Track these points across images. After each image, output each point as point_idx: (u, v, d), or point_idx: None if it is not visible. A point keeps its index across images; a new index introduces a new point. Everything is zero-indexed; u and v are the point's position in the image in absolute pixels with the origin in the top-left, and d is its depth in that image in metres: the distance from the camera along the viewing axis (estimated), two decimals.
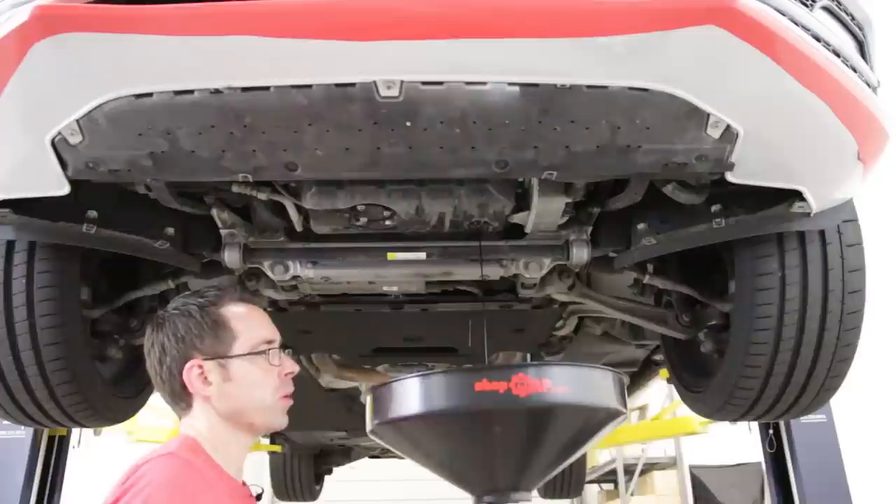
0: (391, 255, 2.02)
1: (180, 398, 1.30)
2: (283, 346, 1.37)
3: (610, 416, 1.42)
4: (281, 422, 1.35)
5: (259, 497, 1.36)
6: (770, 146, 1.45)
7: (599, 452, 7.70)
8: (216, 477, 1.24)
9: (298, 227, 1.97)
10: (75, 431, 3.96)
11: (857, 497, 3.71)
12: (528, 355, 3.01)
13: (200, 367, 1.28)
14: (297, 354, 3.04)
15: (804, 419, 3.56)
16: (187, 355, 1.28)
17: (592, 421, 1.42)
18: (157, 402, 2.02)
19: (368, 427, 1.63)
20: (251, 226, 2.02)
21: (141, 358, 1.38)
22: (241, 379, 1.29)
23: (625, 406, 1.45)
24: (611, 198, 1.87)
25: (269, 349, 1.33)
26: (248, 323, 1.34)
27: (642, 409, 6.50)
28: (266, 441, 5.57)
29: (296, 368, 1.38)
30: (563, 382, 1.34)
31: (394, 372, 2.97)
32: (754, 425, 3.91)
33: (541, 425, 1.35)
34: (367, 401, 1.63)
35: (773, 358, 1.89)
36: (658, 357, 3.19)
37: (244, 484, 1.34)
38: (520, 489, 1.43)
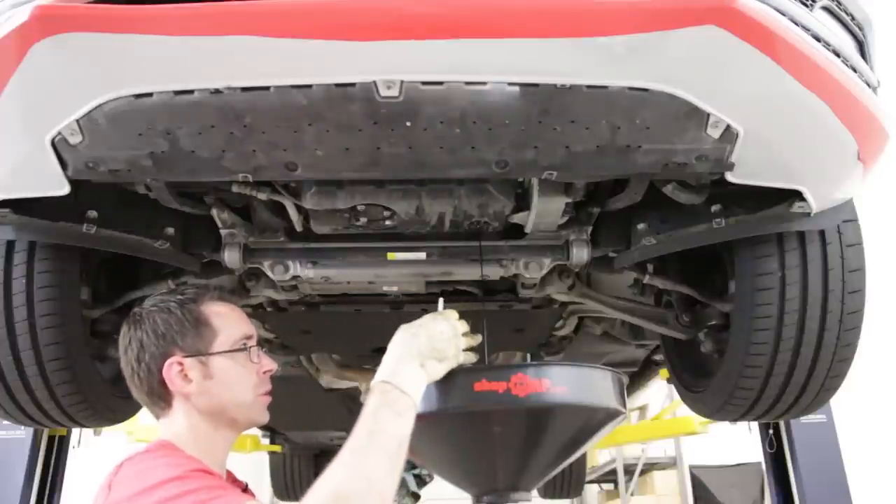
0: (391, 255, 2.02)
1: (159, 397, 1.29)
2: (261, 344, 1.38)
3: (609, 416, 1.42)
4: (263, 417, 1.35)
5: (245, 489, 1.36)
6: (770, 146, 1.45)
7: (599, 452, 7.71)
8: None
9: (298, 227, 1.97)
10: (75, 431, 3.96)
11: (857, 497, 3.71)
12: (528, 355, 3.01)
13: (181, 364, 1.26)
14: (297, 354, 3.05)
15: (804, 419, 3.57)
16: (167, 352, 1.27)
17: (592, 421, 1.42)
18: None
19: None
20: (251, 226, 2.02)
21: None
22: (222, 376, 1.29)
23: (624, 406, 1.45)
24: (611, 198, 1.87)
25: (249, 346, 1.33)
26: (228, 320, 1.34)
27: (642, 409, 6.51)
28: (266, 441, 5.57)
29: (274, 366, 1.38)
30: (563, 382, 1.34)
31: None
32: (754, 425, 3.91)
33: (540, 425, 1.35)
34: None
35: (773, 358, 1.89)
36: (658, 357, 3.19)
37: (229, 472, 1.34)
38: (519, 489, 1.43)
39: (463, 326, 1.37)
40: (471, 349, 1.38)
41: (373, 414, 1.16)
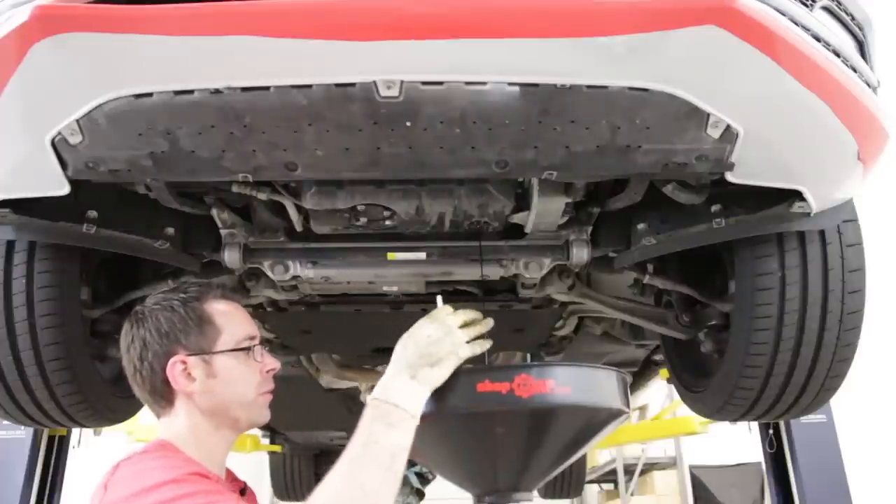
0: (391, 255, 2.02)
1: (162, 396, 1.28)
2: (264, 343, 1.37)
3: (613, 416, 1.42)
4: (263, 417, 1.35)
5: (243, 492, 1.36)
6: (770, 146, 1.45)
7: (599, 452, 7.71)
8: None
9: (298, 227, 1.97)
10: (75, 431, 3.96)
11: (857, 497, 3.71)
12: (528, 355, 3.01)
13: (184, 362, 1.26)
14: (297, 354, 3.05)
15: (804, 419, 3.57)
16: (170, 351, 1.26)
17: (595, 421, 1.41)
18: None
19: None
20: (251, 226, 2.02)
21: None
22: (225, 375, 1.28)
23: (628, 406, 1.45)
24: (611, 198, 1.87)
25: (253, 345, 1.33)
26: (232, 319, 1.33)
27: (642, 409, 6.50)
28: (266, 441, 5.57)
29: (277, 365, 1.37)
30: (566, 383, 1.33)
31: None
32: (754, 425, 3.91)
33: (543, 426, 1.34)
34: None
35: (773, 358, 1.89)
36: (658, 357, 3.19)
37: (229, 471, 1.34)
38: (521, 489, 1.43)
39: (460, 318, 1.34)
40: (480, 337, 1.34)
41: (366, 427, 1.18)
